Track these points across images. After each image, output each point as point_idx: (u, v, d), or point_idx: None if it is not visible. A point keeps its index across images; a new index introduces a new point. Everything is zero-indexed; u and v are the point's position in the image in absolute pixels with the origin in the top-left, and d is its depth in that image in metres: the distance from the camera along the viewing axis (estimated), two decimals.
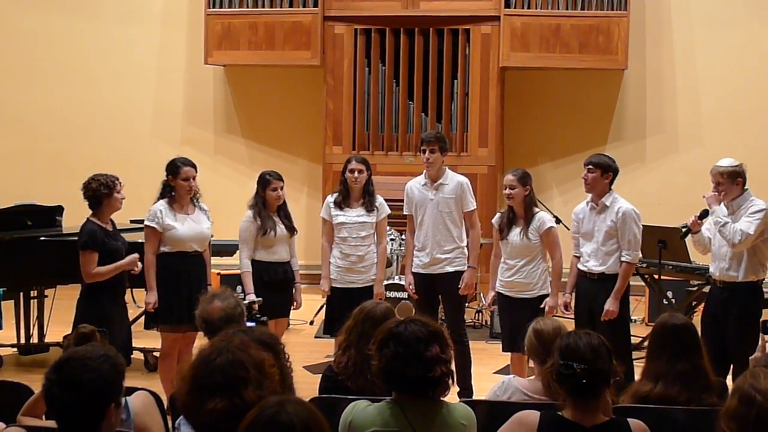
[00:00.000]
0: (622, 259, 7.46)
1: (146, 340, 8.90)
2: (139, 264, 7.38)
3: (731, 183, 7.17)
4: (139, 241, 7.78)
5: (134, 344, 8.72)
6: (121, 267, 7.27)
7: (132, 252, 7.54)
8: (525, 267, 7.63)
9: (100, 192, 7.23)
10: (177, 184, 7.53)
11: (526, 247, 7.60)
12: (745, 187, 7.23)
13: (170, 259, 7.52)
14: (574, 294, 7.88)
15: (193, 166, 7.59)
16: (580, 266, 7.68)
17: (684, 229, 7.74)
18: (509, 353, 7.73)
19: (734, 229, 7.04)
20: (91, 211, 7.33)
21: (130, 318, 9.02)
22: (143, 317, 7.91)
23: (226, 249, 9.38)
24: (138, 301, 7.72)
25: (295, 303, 8.21)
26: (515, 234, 7.63)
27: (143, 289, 7.63)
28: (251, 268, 7.93)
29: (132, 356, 8.09)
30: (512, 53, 12.51)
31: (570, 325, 6.54)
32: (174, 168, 7.55)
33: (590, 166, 7.55)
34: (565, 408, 4.09)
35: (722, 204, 7.30)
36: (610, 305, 7.43)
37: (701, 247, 7.58)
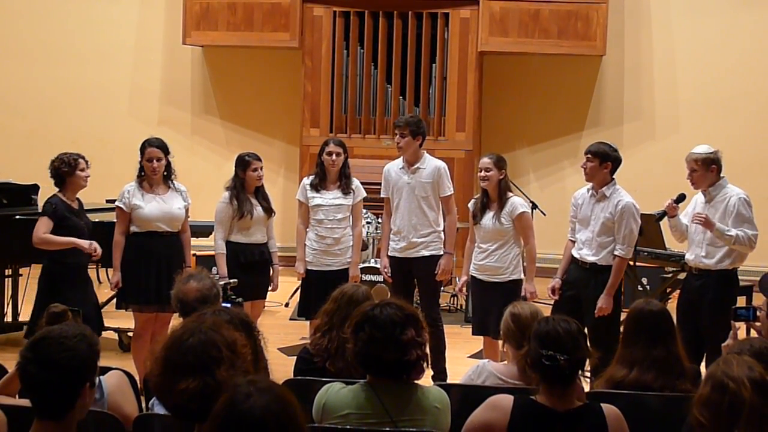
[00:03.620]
0: (616, 253, 7.25)
1: (120, 320, 8.87)
2: (98, 249, 7.41)
3: (705, 170, 7.15)
4: (114, 221, 7.77)
5: (110, 324, 8.71)
6: (74, 244, 7.34)
7: (103, 232, 7.64)
8: (497, 251, 7.58)
9: (61, 170, 7.39)
10: (143, 165, 7.55)
11: (499, 231, 7.57)
12: (721, 175, 7.22)
13: (140, 239, 7.54)
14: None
15: (161, 147, 7.56)
16: (574, 252, 7.49)
17: (659, 213, 7.74)
18: (482, 337, 7.74)
19: (747, 238, 7.02)
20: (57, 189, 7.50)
21: (105, 298, 9.01)
22: (116, 297, 7.90)
23: (202, 230, 9.32)
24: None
25: (271, 284, 8.19)
26: (488, 218, 7.60)
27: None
28: (226, 249, 7.92)
29: (102, 333, 8.04)
30: (491, 38, 12.51)
31: (546, 310, 6.52)
32: (142, 148, 7.57)
33: (589, 155, 7.34)
34: (538, 393, 4.10)
35: (699, 191, 7.32)
36: (603, 302, 7.20)
37: (678, 233, 7.52)
